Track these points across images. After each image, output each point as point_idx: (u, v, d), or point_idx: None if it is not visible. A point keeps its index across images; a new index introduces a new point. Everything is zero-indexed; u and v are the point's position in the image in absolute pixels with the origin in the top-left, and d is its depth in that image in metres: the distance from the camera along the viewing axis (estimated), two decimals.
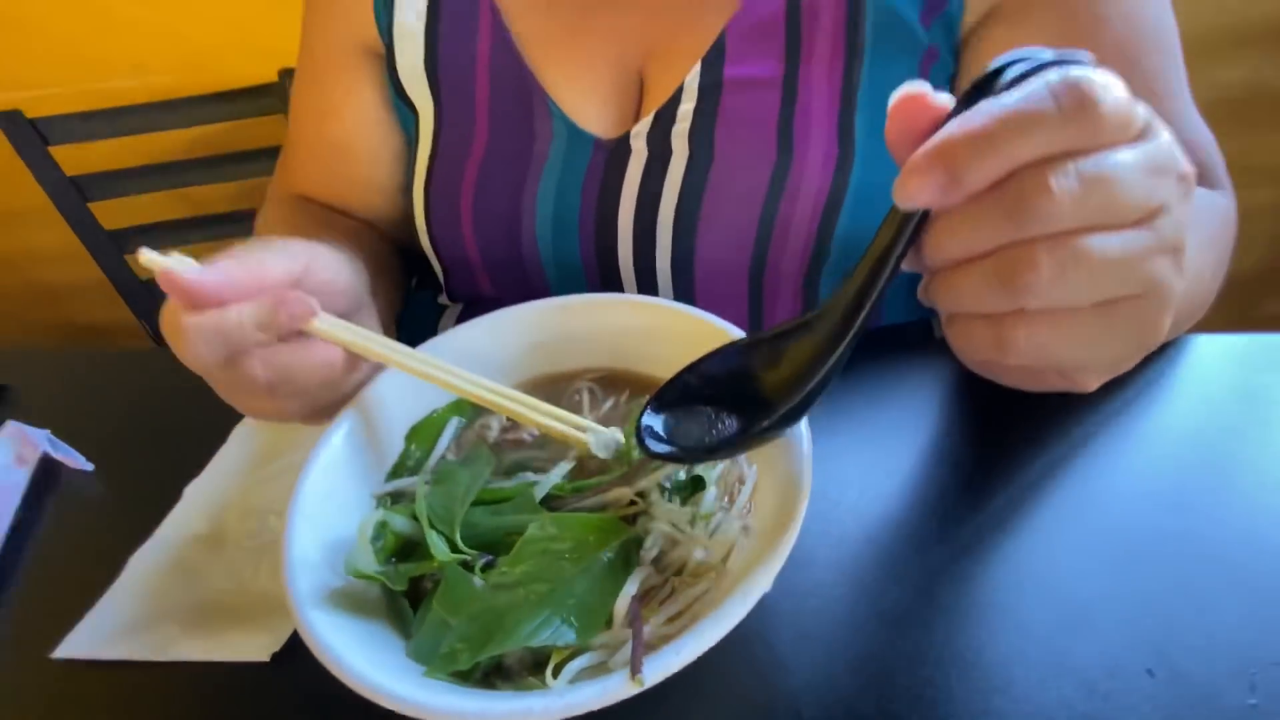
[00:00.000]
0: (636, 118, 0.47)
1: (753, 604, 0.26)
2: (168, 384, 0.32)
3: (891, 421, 0.41)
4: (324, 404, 0.35)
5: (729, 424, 0.28)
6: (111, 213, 1.09)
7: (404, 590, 0.30)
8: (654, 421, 0.29)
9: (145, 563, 0.40)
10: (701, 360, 0.30)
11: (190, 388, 0.36)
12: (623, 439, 0.34)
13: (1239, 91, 1.09)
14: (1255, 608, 0.31)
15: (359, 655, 0.26)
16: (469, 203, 0.49)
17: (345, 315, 0.36)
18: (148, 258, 0.31)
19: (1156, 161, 0.22)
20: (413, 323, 0.57)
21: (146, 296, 1.16)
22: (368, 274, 0.46)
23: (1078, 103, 0.21)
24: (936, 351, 0.45)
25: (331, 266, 0.36)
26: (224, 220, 1.12)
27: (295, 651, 0.34)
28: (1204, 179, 0.45)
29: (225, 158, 1.08)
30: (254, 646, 0.35)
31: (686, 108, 0.45)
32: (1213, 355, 0.43)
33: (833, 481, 0.38)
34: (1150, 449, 0.38)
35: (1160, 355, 0.43)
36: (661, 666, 0.25)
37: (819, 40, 0.43)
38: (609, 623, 0.29)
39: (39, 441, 0.49)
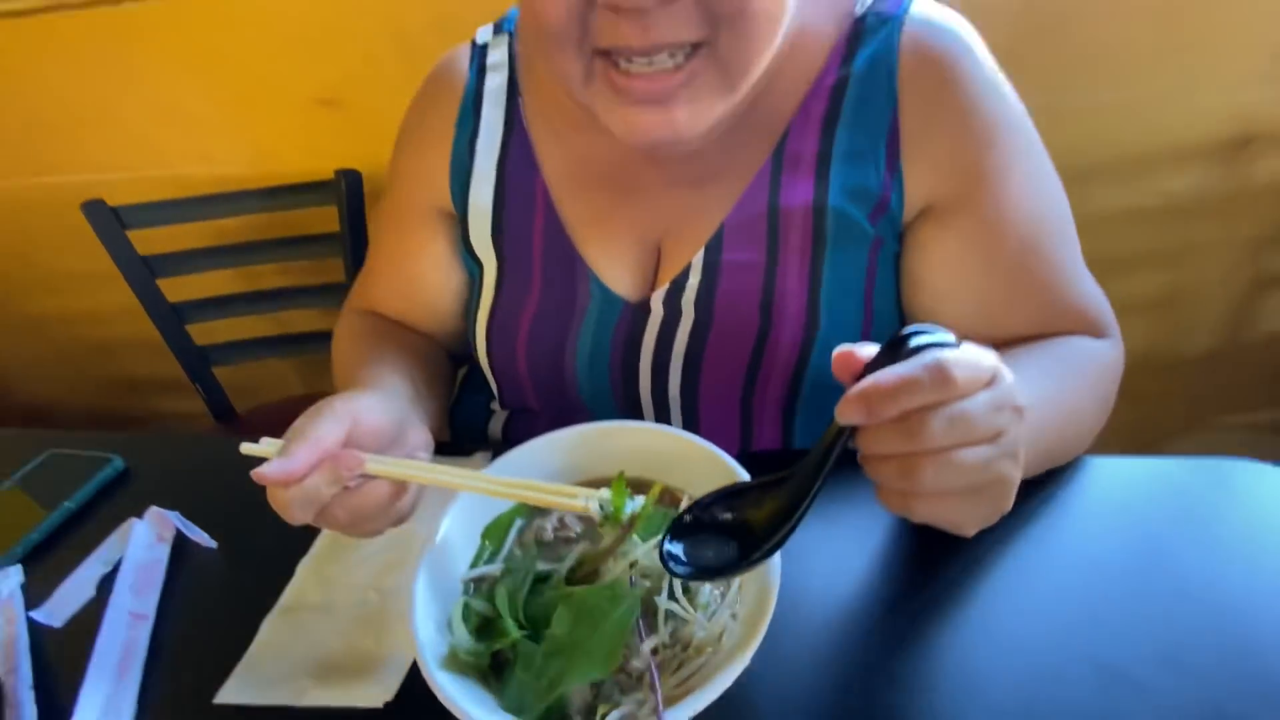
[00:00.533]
0: (653, 285, 0.60)
1: (737, 674, 0.38)
2: None
3: (849, 527, 0.53)
4: (389, 522, 0.47)
5: (728, 549, 0.40)
6: (174, 285, 1.21)
7: (489, 661, 0.43)
8: (674, 548, 0.41)
9: (274, 626, 0.52)
10: (706, 498, 0.42)
11: None
12: (609, 495, 0.45)
13: (1183, 200, 1.22)
14: (1102, 685, 0.43)
15: (472, 705, 0.38)
16: (524, 341, 0.62)
17: (392, 440, 0.47)
18: (247, 449, 0.45)
19: (999, 401, 0.36)
20: (467, 423, 0.70)
21: (199, 359, 1.28)
22: (413, 387, 0.58)
23: (943, 377, 0.34)
24: None
25: (372, 412, 0.46)
26: (275, 295, 1.24)
27: (402, 700, 0.46)
28: (1095, 331, 0.58)
29: (281, 242, 1.20)
30: (370, 695, 0.46)
31: (693, 281, 0.58)
32: (1103, 477, 0.55)
33: (802, 573, 0.50)
34: (1036, 563, 0.49)
35: (1056, 477, 0.55)
36: (675, 717, 0.37)
37: (792, 236, 0.56)
38: (631, 673, 0.41)
39: (173, 522, 0.61)
